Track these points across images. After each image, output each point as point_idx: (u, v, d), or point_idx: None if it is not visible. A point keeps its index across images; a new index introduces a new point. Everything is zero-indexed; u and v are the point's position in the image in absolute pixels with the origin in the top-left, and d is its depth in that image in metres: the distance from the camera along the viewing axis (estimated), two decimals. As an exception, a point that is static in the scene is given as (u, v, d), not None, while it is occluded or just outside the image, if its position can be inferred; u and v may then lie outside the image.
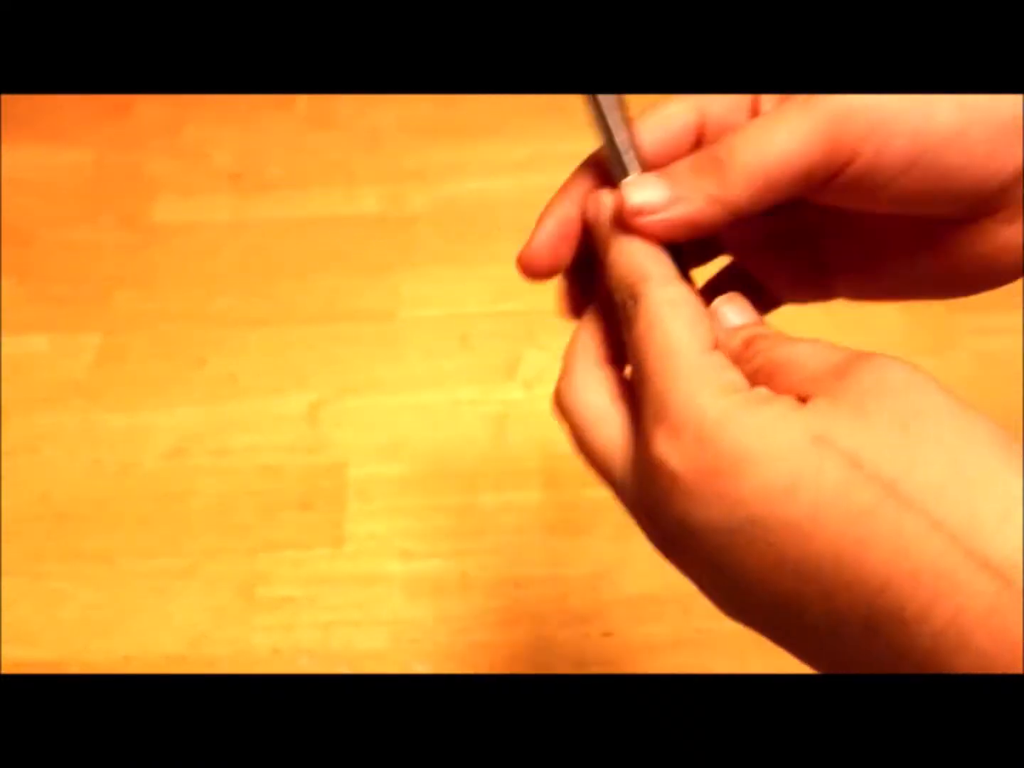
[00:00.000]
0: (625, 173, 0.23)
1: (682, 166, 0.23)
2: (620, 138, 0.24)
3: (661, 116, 0.24)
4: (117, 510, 0.59)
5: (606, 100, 0.24)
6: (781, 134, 0.22)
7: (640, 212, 0.22)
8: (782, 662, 0.51)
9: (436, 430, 0.63)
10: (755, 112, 0.24)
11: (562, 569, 0.55)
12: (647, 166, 0.24)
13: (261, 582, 0.56)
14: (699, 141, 0.24)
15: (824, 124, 0.22)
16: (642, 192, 0.22)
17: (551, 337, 0.64)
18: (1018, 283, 0.27)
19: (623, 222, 0.23)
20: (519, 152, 0.82)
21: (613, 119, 0.23)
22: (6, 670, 0.52)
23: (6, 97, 0.88)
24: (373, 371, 0.67)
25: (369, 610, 0.55)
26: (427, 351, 0.68)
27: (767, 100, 0.24)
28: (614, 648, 0.52)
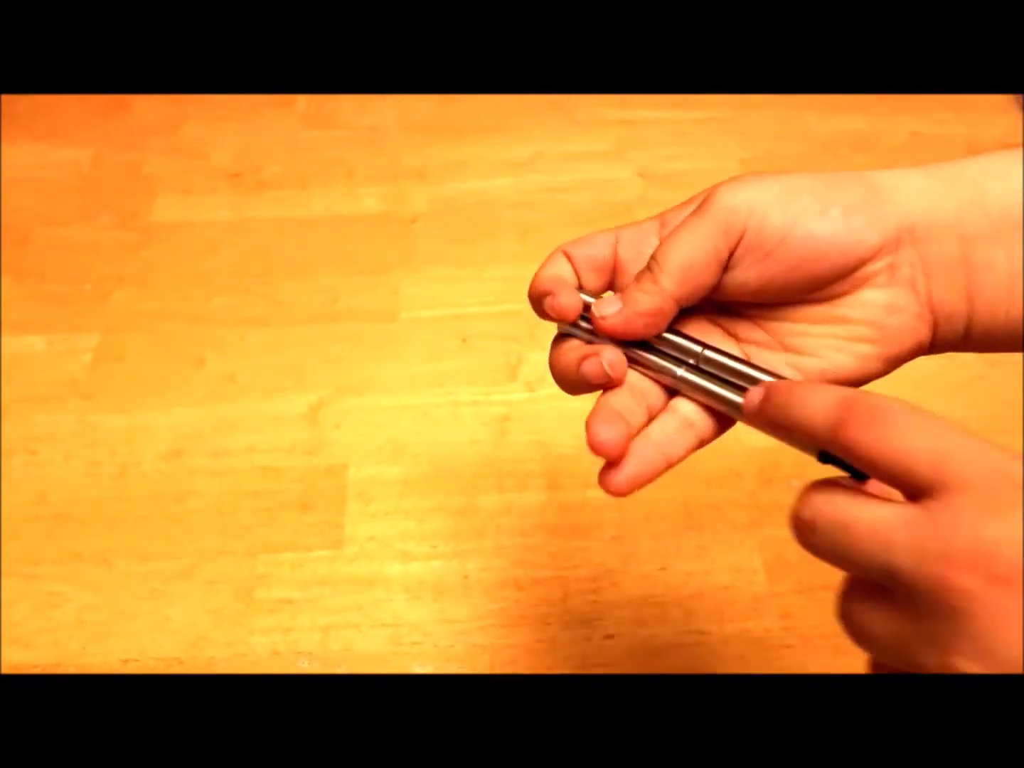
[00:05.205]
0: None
1: (629, 283, 0.32)
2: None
3: (591, 242, 0.33)
4: (115, 511, 0.59)
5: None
6: (688, 235, 0.30)
7: (603, 319, 0.31)
8: (782, 664, 0.50)
9: (437, 431, 0.63)
10: (663, 228, 0.33)
11: (564, 571, 0.55)
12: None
13: (260, 584, 0.56)
14: (615, 256, 0.33)
15: (716, 216, 0.30)
16: (602, 307, 0.32)
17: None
18: None
19: (600, 329, 0.32)
20: (519, 152, 0.82)
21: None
22: (3, 672, 0.52)
23: (3, 95, 0.87)
24: (373, 371, 0.67)
25: (369, 612, 0.54)
26: (427, 351, 0.68)
27: (674, 219, 0.32)
28: (616, 650, 0.52)
